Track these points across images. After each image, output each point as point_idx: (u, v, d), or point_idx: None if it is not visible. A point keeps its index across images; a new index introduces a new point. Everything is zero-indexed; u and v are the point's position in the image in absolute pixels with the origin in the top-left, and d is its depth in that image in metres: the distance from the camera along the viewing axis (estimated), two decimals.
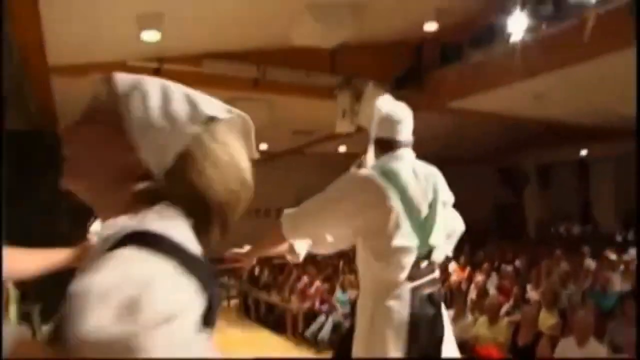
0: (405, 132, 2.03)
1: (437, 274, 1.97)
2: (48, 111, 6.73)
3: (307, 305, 6.26)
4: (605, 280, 6.26)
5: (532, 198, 14.80)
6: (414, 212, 1.87)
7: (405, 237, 1.85)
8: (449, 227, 2.10)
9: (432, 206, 1.94)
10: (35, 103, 6.46)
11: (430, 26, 6.48)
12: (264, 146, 11.39)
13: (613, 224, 13.12)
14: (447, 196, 2.07)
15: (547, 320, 5.11)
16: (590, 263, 7.82)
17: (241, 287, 8.55)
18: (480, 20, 6.21)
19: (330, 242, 1.97)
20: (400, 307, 1.83)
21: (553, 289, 5.73)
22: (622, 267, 7.35)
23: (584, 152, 13.48)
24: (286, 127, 8.73)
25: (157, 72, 5.74)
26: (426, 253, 1.91)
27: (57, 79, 5.65)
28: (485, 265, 8.03)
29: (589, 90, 7.32)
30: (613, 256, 7.79)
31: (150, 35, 4.84)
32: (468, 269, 8.15)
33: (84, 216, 1.09)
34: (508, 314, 5.67)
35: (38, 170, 4.88)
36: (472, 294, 6.52)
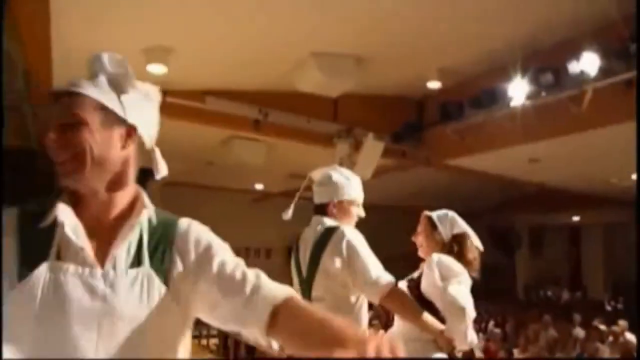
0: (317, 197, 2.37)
1: None
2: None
3: (288, 353, 6.07)
4: (594, 351, 6.14)
5: (523, 260, 14.74)
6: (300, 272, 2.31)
7: None
8: None
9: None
10: (35, 126, 6.45)
11: (433, 84, 6.60)
12: (259, 186, 11.38)
13: (602, 292, 13.03)
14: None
15: None
16: (579, 332, 7.71)
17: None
18: (481, 82, 6.34)
19: None
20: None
21: (540, 357, 5.62)
22: (610, 338, 7.23)
23: (576, 218, 13.54)
24: (283, 169, 8.74)
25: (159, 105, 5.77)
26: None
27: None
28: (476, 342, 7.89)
29: (584, 159, 7.42)
30: (602, 327, 7.68)
31: (156, 69, 4.89)
32: None
33: None
34: None
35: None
36: (458, 355, 6.36)
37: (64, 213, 0.91)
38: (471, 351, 6.67)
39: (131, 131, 0.99)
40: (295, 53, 5.41)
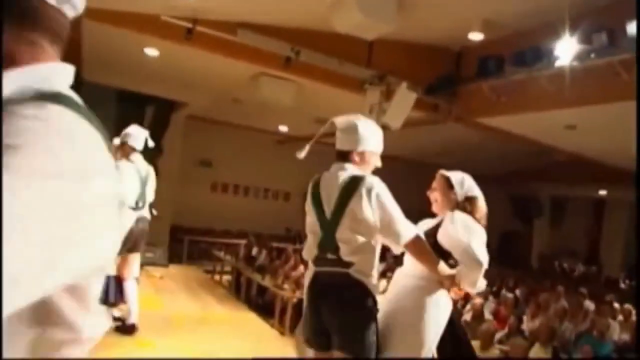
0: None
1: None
2: (74, 52, 6.63)
3: (298, 294, 6.14)
4: (605, 327, 6.06)
5: (542, 229, 14.57)
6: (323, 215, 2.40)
7: None
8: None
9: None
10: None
11: (475, 36, 6.26)
12: (284, 128, 11.26)
13: (618, 270, 12.88)
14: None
15: (539, 355, 4.96)
16: (590, 305, 7.64)
17: (236, 265, 8.45)
18: (526, 38, 5.99)
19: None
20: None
21: (550, 324, 5.58)
22: (621, 316, 7.15)
23: (602, 192, 13.21)
24: (309, 112, 8.56)
25: (189, 32, 5.60)
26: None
27: (88, 22, 5.53)
28: (484, 289, 7.88)
29: (623, 131, 7.06)
30: (616, 304, 7.59)
31: None
32: None
33: None
34: (501, 342, 5.53)
35: None
36: (467, 316, 6.37)
37: None
38: (481, 314, 6.64)
39: None
40: None
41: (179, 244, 10.81)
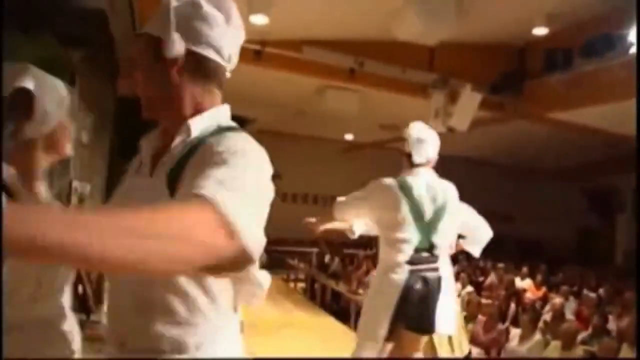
0: (424, 154, 2.61)
1: (437, 264, 2.55)
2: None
3: None
4: None
5: (625, 224, 13.71)
6: (419, 216, 2.51)
7: (407, 232, 2.48)
8: (459, 229, 2.79)
9: (437, 213, 2.54)
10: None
11: (540, 31, 6.16)
12: (349, 136, 11.46)
13: None
14: (454, 208, 2.63)
15: (628, 355, 4.78)
16: None
17: (309, 272, 8.72)
18: (595, 27, 5.81)
19: (368, 227, 2.84)
20: (398, 279, 2.46)
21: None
22: None
23: None
24: (374, 119, 8.71)
25: (258, 54, 5.93)
26: (427, 247, 2.52)
27: None
28: (564, 288, 7.62)
29: None
30: None
31: (259, 19, 5.00)
32: (544, 289, 7.79)
33: None
34: (584, 342, 5.36)
35: None
36: (547, 316, 6.22)
37: (145, 138, 1.10)
38: (562, 314, 6.46)
39: (180, 61, 1.00)
40: (393, 0, 5.27)
41: None
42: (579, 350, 4.95)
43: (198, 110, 1.03)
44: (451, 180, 2.65)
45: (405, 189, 2.51)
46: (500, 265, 8.57)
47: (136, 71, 1.06)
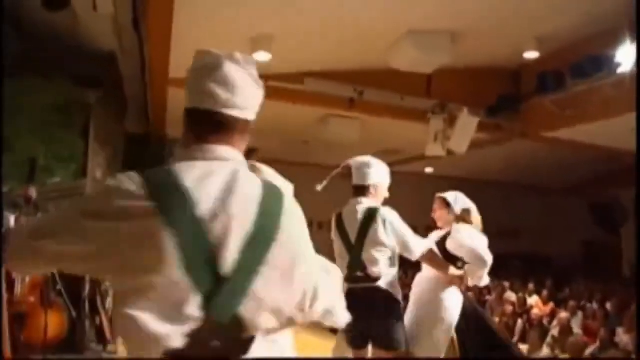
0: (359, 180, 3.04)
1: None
2: (161, 118, 7.44)
3: None
4: None
5: (630, 235, 13.75)
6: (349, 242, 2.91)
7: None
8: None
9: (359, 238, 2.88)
10: (152, 110, 7.17)
11: (530, 54, 6.41)
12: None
13: None
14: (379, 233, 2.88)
15: None
16: None
17: None
18: (584, 49, 6.04)
19: None
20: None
21: None
22: None
23: None
24: (376, 145, 8.88)
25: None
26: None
27: (172, 88, 6.24)
28: (571, 303, 7.69)
29: None
30: None
31: (261, 56, 5.25)
32: (551, 305, 7.85)
33: None
34: (593, 356, 5.43)
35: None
36: (554, 331, 6.29)
37: None
38: (569, 328, 6.51)
39: None
40: (390, 31, 5.52)
41: None
42: None
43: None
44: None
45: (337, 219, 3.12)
46: (506, 283, 8.65)
47: None
